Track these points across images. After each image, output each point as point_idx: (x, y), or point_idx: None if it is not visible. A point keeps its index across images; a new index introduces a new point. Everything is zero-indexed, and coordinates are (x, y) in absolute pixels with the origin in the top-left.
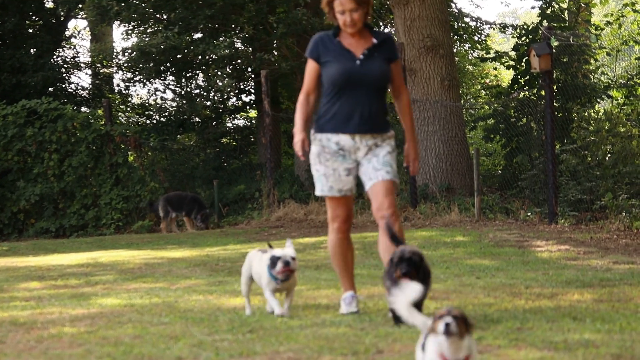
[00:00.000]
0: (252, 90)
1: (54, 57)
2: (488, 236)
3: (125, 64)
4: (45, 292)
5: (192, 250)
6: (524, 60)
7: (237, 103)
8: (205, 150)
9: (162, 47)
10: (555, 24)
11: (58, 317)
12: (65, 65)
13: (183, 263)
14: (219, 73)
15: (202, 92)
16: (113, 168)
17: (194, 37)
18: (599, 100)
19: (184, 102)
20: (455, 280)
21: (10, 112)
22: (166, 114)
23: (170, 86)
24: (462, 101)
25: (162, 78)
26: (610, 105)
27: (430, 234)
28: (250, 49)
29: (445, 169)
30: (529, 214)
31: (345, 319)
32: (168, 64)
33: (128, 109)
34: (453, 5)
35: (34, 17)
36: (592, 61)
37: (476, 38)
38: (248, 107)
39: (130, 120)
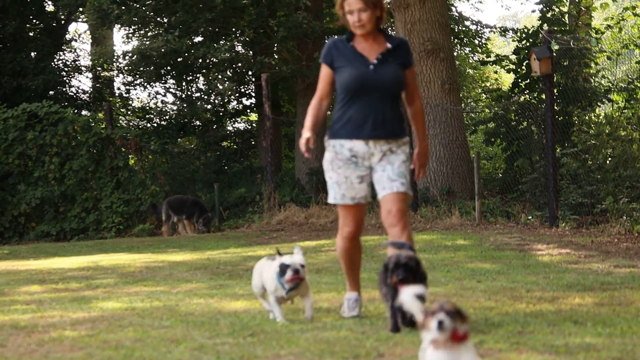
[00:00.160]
0: (253, 94)
1: (55, 60)
2: (489, 240)
3: (126, 68)
4: (46, 296)
5: (193, 254)
6: (524, 63)
7: (238, 106)
8: (206, 153)
9: (162, 50)
10: (555, 28)
11: (59, 321)
12: (65, 69)
13: (184, 266)
14: (220, 76)
15: (202, 96)
16: (114, 171)
17: (194, 40)
18: (599, 103)
19: (185, 105)
20: (456, 283)
21: (11, 116)
22: (167, 117)
23: (171, 89)
24: (462, 105)
25: (162, 81)
26: (611, 108)
27: (431, 238)
28: (251, 52)
29: (446, 173)
30: (530, 217)
31: (346, 323)
32: (168, 68)
33: (129, 112)
34: (453, 8)
35: (34, 21)
36: (593, 65)
37: (477, 41)
38: (249, 111)
39: (131, 124)
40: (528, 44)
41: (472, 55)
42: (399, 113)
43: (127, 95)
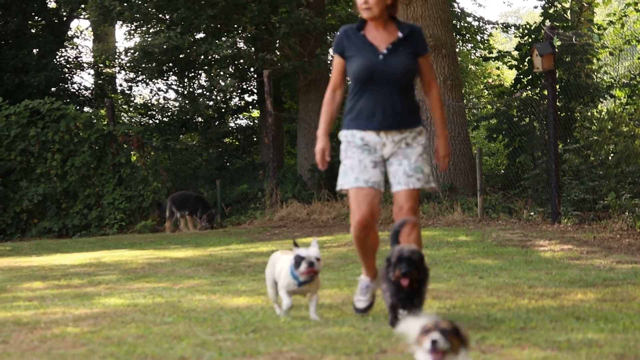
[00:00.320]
0: (255, 90)
1: (57, 57)
2: (491, 236)
3: (128, 64)
4: (49, 292)
5: (195, 250)
6: (526, 59)
7: (240, 103)
8: (208, 150)
9: (164, 47)
10: (557, 24)
11: (61, 317)
12: (68, 65)
13: (186, 263)
14: (222, 73)
15: (204, 92)
16: (116, 168)
17: (196, 37)
18: (601, 99)
19: (187, 102)
20: (459, 279)
21: (13, 112)
22: (169, 113)
23: (173, 86)
24: (464, 101)
25: (164, 78)
26: (613, 104)
27: (433, 234)
28: (253, 48)
29: (448, 169)
30: (532, 213)
31: (348, 319)
32: (170, 64)
33: (131, 109)
34: (455, 5)
35: (36, 18)
36: (595, 61)
37: (479, 38)
38: (250, 107)
39: (133, 120)
40: (530, 40)
41: (474, 51)
42: (412, 102)
43: (129, 91)
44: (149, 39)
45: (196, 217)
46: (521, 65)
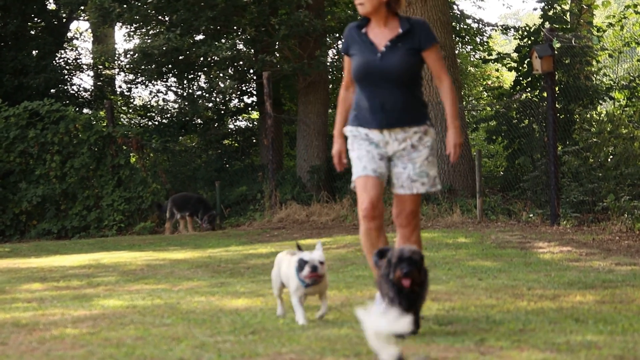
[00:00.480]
0: (254, 92)
1: (56, 58)
2: (490, 237)
3: (127, 66)
4: (48, 294)
5: (194, 252)
6: (526, 61)
7: (239, 104)
8: (207, 151)
9: (164, 48)
10: (557, 26)
11: (60, 319)
12: (67, 67)
13: (185, 264)
14: (221, 75)
15: (204, 94)
16: (115, 169)
17: (195, 38)
18: (601, 101)
19: (186, 103)
20: (458, 281)
21: (13, 114)
22: (168, 115)
23: (172, 88)
24: (464, 103)
25: (164, 80)
26: (613, 106)
27: (432, 235)
28: (252, 50)
29: (447, 171)
30: (531, 215)
31: (347, 321)
32: (170, 66)
33: (130, 110)
34: (455, 7)
35: (36, 19)
36: (594, 63)
37: (478, 40)
38: (250, 109)
39: (132, 122)
40: (529, 42)
41: (474, 53)
42: (416, 99)
43: (129, 93)
44: (149, 41)
45: (197, 218)
46: (520, 67)
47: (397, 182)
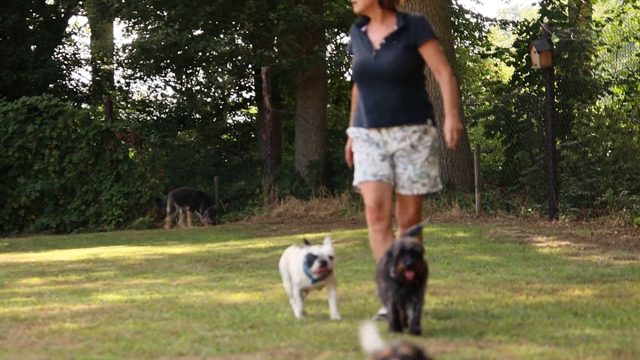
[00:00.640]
0: (253, 87)
1: (55, 53)
2: (489, 232)
3: (126, 61)
4: (46, 288)
5: (193, 246)
6: (524, 56)
7: (238, 99)
8: (206, 146)
9: (162, 43)
10: (555, 21)
11: (59, 313)
12: (65, 62)
13: (184, 259)
14: (220, 70)
15: (202, 89)
16: (113, 164)
17: (194, 33)
18: (599, 96)
19: (185, 98)
20: (456, 276)
21: (11, 109)
22: (167, 110)
23: (171, 83)
24: (462, 97)
25: (162, 75)
26: (611, 101)
27: (431, 230)
28: (251, 45)
29: (446, 165)
30: (530, 209)
31: (345, 315)
32: (168, 61)
33: (128, 105)
34: (454, 1)
35: (34, 14)
36: (593, 57)
37: (477, 34)
38: (248, 104)
39: (131, 117)
40: (528, 36)
41: (473, 48)
42: (414, 98)
43: (127, 88)
44: (147, 36)
45: (198, 212)
46: (519, 62)
47: (399, 182)
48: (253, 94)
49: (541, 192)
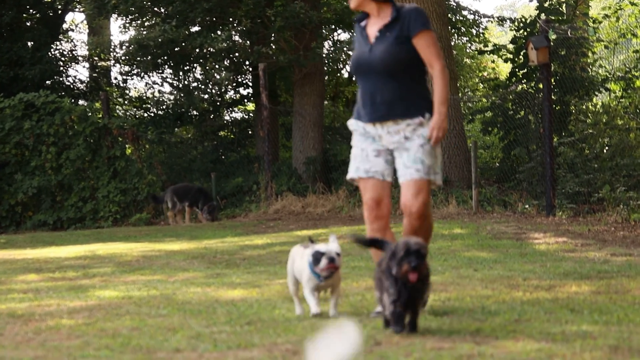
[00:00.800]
0: (250, 84)
1: (52, 50)
2: (486, 228)
3: (123, 57)
4: (43, 285)
5: (190, 243)
6: (521, 53)
7: (235, 96)
8: (203, 143)
9: (159, 40)
10: (553, 17)
11: (56, 309)
12: (62, 59)
13: (181, 255)
14: (217, 66)
15: (199, 85)
16: (111, 161)
17: (191, 30)
18: (596, 93)
19: (182, 95)
20: (453, 272)
21: (8, 105)
22: (164, 107)
23: (168, 79)
24: (460, 94)
25: (159, 71)
26: (608, 98)
27: None
28: (248, 42)
29: (443, 162)
30: (527, 206)
31: (342, 311)
32: (166, 57)
33: (126, 102)
34: None
35: (31, 10)
36: (590, 54)
37: (474, 31)
38: (246, 100)
39: (128, 114)
40: (525, 33)
41: (470, 44)
42: (409, 91)
43: (124, 85)
44: (144, 32)
45: (197, 208)
46: (516, 59)
47: (398, 172)
48: (250, 90)
49: (538, 189)
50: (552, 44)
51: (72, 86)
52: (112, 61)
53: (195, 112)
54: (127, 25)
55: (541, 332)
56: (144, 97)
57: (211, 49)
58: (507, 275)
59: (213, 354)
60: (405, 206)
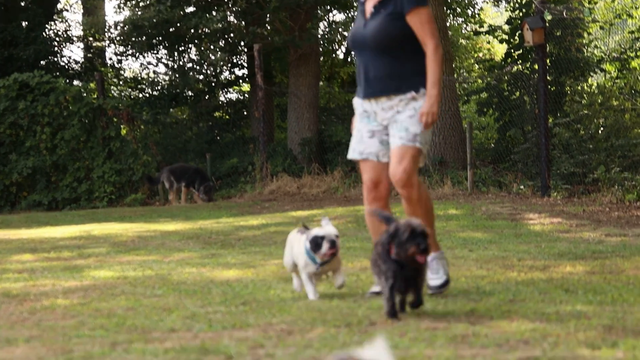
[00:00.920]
0: (245, 64)
1: (46, 30)
2: (481, 209)
3: (118, 38)
4: (38, 265)
5: (185, 223)
6: (517, 34)
7: (230, 77)
8: (198, 123)
9: (154, 20)
10: None
11: (51, 289)
12: (57, 39)
13: (176, 236)
14: (212, 47)
15: (194, 66)
16: (106, 141)
17: (186, 10)
18: (592, 73)
19: (177, 75)
20: (448, 252)
21: (2, 85)
22: (159, 87)
23: (163, 60)
24: (455, 75)
25: (154, 52)
26: (604, 78)
27: None
28: (243, 22)
29: (439, 143)
30: (522, 187)
31: (337, 292)
32: (160, 38)
33: (120, 82)
34: None
35: None
36: (586, 35)
37: (469, 12)
38: (241, 81)
39: (123, 94)
40: (521, 14)
41: (465, 25)
42: (401, 67)
43: (119, 65)
44: (139, 13)
45: (193, 189)
46: (512, 40)
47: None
48: (245, 71)
49: (533, 170)
50: (547, 24)
51: (66, 66)
52: (107, 41)
53: (190, 93)
54: (122, 5)
55: (535, 312)
56: (139, 78)
57: (206, 30)
58: (501, 255)
59: (208, 334)
60: (390, 175)
